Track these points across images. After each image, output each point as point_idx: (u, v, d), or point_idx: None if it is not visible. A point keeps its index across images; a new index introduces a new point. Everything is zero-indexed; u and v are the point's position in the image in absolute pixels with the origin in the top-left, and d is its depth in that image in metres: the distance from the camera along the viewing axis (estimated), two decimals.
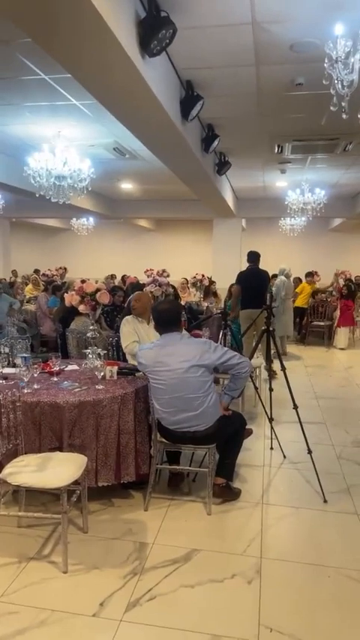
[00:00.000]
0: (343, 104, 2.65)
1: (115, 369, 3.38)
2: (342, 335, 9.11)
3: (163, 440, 3.10)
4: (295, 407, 3.50)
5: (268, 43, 3.39)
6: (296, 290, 9.12)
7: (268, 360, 3.98)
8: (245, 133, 5.65)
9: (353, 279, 12.07)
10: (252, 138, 5.84)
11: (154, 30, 2.83)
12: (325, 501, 3.20)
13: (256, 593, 2.31)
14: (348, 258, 13.28)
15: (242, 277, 6.68)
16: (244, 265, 11.37)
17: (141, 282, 8.02)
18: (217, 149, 5.99)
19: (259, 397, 4.35)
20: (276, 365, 4.63)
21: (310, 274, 10.24)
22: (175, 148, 4.66)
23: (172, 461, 3.41)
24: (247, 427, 3.44)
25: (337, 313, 9.17)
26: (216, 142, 5.28)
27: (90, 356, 3.67)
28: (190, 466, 3.45)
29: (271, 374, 4.20)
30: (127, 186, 9.55)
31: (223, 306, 7.84)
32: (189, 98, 4.05)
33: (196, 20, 3.10)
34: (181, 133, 4.14)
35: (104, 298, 3.66)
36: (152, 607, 2.22)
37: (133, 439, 3.04)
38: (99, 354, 3.66)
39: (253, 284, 6.47)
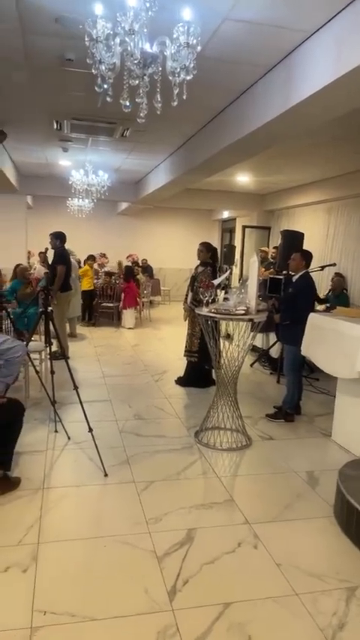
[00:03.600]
0: (106, 86, 2.68)
1: None
2: (128, 316, 9.56)
3: None
4: (75, 388, 3.53)
5: (32, 12, 3.20)
6: (79, 272, 9.17)
7: (48, 343, 3.90)
8: (20, 103, 5.31)
9: (140, 262, 12.74)
10: (28, 109, 5.52)
11: None
12: (106, 475, 3.32)
13: (32, 580, 2.27)
14: (136, 241, 13.90)
15: (67, 256, 6.68)
16: (32, 245, 10.96)
17: None
18: None
19: (41, 381, 4.24)
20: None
21: (92, 257, 10.40)
22: None
23: None
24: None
25: (123, 295, 9.60)
26: None
27: None
28: None
29: (53, 357, 4.13)
30: None
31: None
32: None
33: None
34: None
35: None
36: None
37: None
38: None
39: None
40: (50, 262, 7.25)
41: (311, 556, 2.56)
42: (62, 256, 6.56)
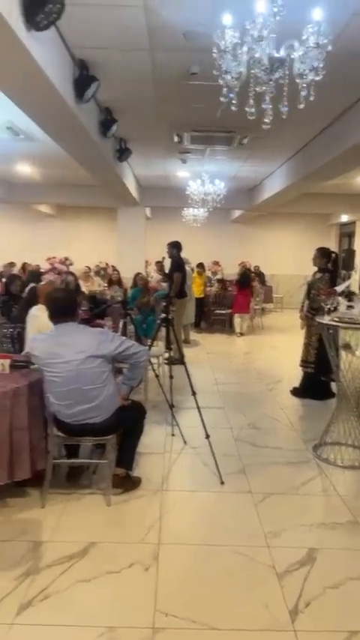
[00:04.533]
0: (231, 96, 2.70)
1: (8, 362, 3.20)
2: (238, 321, 9.51)
3: (60, 434, 3.00)
4: (194, 393, 3.58)
5: (161, 29, 3.36)
6: None
7: (168, 348, 4.02)
8: (144, 120, 5.60)
9: (252, 268, 12.65)
10: (151, 125, 5.80)
11: (40, 3, 2.67)
12: (222, 483, 3.31)
13: (153, 579, 2.33)
14: (248, 248, 13.84)
15: (182, 265, 6.94)
16: (150, 254, 11.45)
17: (43, 270, 7.68)
18: (116, 134, 5.87)
19: (160, 385, 4.38)
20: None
21: (201, 265, 10.53)
22: (69, 129, 4.48)
23: (71, 454, 3.33)
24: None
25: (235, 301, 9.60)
26: (114, 127, 5.16)
27: None
28: (91, 458, 3.39)
29: (171, 361, 4.26)
30: (24, 169, 9.06)
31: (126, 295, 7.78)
32: (83, 78, 3.90)
33: None
34: (75, 114, 3.99)
35: None
36: (46, 606, 2.14)
37: (27, 435, 2.90)
38: None
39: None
40: (167, 271, 7.52)
41: None
42: (178, 265, 6.78)
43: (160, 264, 10.36)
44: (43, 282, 4.35)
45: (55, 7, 2.74)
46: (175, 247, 6.88)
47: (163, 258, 8.71)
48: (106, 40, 3.57)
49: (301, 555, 2.54)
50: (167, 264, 7.61)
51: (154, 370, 4.50)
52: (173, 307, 6.32)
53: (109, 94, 4.59)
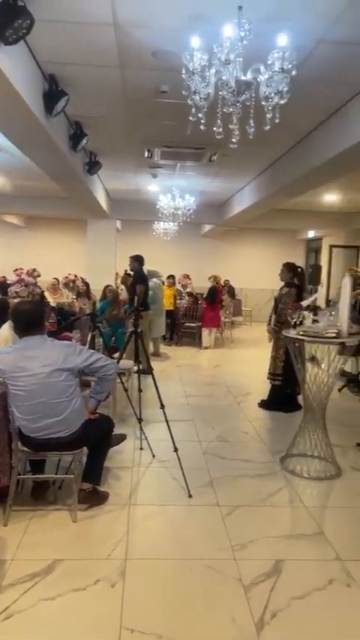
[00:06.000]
0: (200, 115, 2.77)
1: None
2: (206, 335, 9.59)
3: (25, 449, 2.95)
4: (162, 406, 3.58)
5: (131, 47, 3.42)
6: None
7: (137, 361, 4.02)
8: (115, 135, 5.65)
9: (222, 282, 12.79)
10: (121, 140, 5.86)
11: (9, 18, 2.69)
12: (190, 496, 3.32)
13: (120, 596, 2.30)
14: (218, 262, 14.01)
15: (145, 278, 6.94)
16: (120, 267, 11.41)
17: (10, 282, 7.57)
18: (86, 148, 5.90)
19: (129, 398, 4.37)
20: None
21: (172, 277, 10.54)
22: (39, 142, 4.48)
23: (36, 469, 3.27)
24: (121, 433, 3.45)
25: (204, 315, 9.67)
26: (84, 141, 5.19)
27: None
28: (57, 473, 3.34)
29: (140, 374, 4.25)
30: None
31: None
32: (53, 92, 3.92)
33: (56, 15, 3.00)
34: (45, 127, 3.99)
35: None
36: (9, 626, 2.09)
37: None
38: None
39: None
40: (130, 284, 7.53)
41: None
42: (141, 277, 6.83)
43: (125, 277, 9.96)
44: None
45: (24, 22, 2.75)
46: (137, 261, 6.97)
47: (125, 271, 8.69)
48: (76, 56, 3.61)
49: (267, 567, 2.56)
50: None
51: (122, 384, 4.48)
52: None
53: (79, 108, 4.62)
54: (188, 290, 11.23)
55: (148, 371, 4.01)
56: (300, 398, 4.78)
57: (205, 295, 9.71)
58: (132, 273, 7.42)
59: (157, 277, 8.24)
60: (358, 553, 2.74)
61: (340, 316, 3.74)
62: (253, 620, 2.17)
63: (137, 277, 6.93)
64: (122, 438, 3.75)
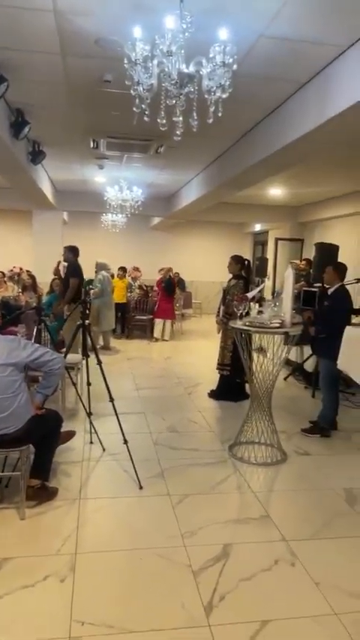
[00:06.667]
0: (143, 106, 2.75)
1: None
2: (158, 327, 9.62)
3: None
4: (112, 400, 3.57)
5: (73, 34, 3.33)
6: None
7: (85, 354, 3.97)
8: (58, 124, 5.51)
9: (172, 274, 12.83)
10: (66, 129, 5.72)
11: None
12: (141, 487, 3.34)
13: (69, 590, 2.29)
14: (168, 254, 14.02)
15: (79, 270, 6.61)
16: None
17: None
18: (29, 137, 5.72)
19: (77, 392, 4.32)
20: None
21: (123, 269, 10.47)
22: None
23: None
24: (70, 430, 3.41)
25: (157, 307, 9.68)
26: (27, 129, 5.02)
27: None
28: (3, 471, 3.26)
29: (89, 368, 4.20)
30: None
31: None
32: None
33: None
34: None
35: None
36: None
37: None
38: None
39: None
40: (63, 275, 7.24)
41: (351, 576, 2.50)
42: (75, 269, 6.63)
43: (56, 269, 9.30)
44: None
45: None
46: (71, 251, 6.71)
47: (59, 262, 8.24)
48: (15, 41, 3.48)
49: (216, 552, 2.63)
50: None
51: (70, 378, 4.43)
52: (67, 312, 6.12)
53: (20, 95, 4.47)
54: (138, 282, 11.19)
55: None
56: (248, 387, 4.90)
57: (163, 285, 9.66)
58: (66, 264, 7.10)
59: (106, 270, 8.15)
60: (302, 533, 2.87)
61: (284, 307, 3.87)
62: (203, 604, 2.23)
63: (71, 269, 6.67)
64: (71, 435, 3.70)
